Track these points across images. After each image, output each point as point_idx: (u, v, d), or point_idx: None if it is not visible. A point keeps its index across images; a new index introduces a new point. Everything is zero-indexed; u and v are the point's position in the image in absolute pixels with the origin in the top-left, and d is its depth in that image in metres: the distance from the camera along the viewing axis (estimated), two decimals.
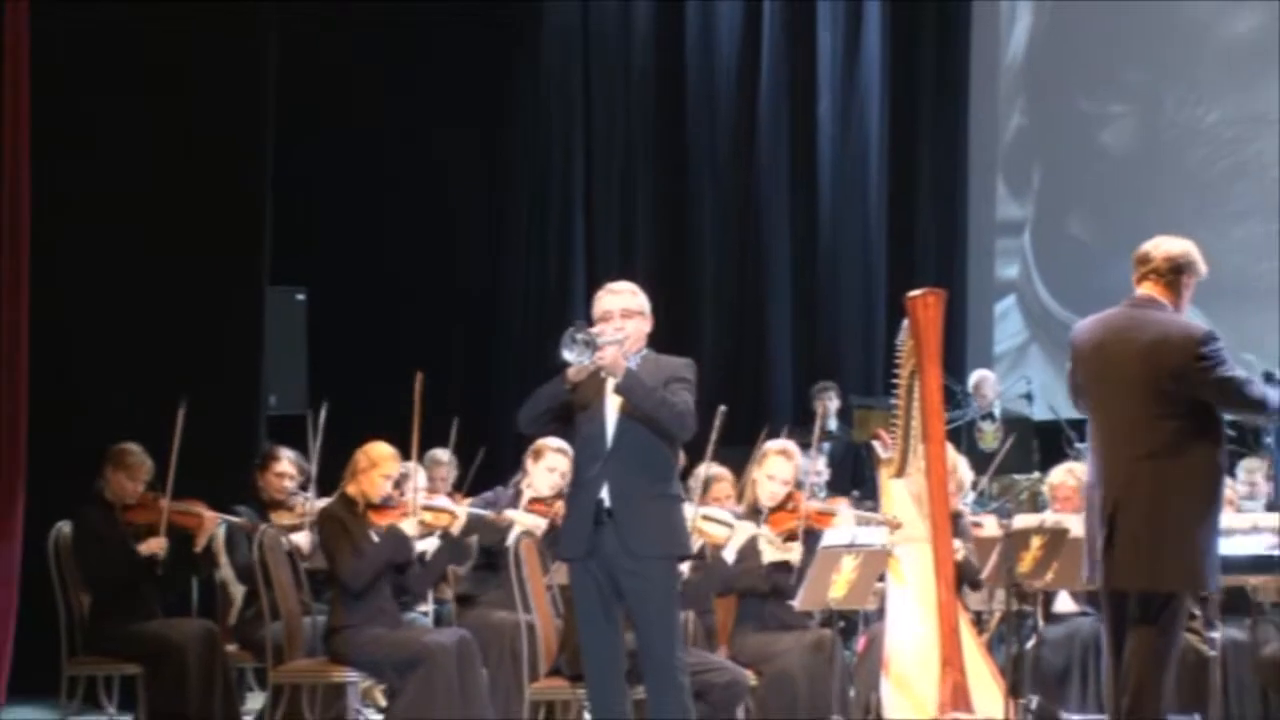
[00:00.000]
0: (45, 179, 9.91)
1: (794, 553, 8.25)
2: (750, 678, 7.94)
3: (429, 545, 8.44)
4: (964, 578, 8.35)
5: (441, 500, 8.89)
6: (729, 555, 8.17)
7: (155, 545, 8.61)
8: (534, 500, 8.51)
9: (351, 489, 8.36)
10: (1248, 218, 13.73)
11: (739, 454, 9.35)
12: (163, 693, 8.43)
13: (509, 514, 8.45)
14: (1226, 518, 7.22)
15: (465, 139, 13.62)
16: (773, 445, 8.68)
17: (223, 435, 10.04)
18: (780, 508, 8.41)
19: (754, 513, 8.45)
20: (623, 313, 6.95)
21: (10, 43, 9.60)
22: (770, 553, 8.32)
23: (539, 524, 8.41)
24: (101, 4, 10.32)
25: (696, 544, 7.87)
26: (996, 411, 12.77)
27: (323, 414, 9.56)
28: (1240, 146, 13.97)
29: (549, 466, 8.55)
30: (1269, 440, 12.01)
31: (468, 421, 10.33)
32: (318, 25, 12.30)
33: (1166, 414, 6.36)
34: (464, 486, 10.30)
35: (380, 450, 8.35)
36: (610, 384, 6.85)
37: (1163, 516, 6.31)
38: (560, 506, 8.26)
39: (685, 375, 6.96)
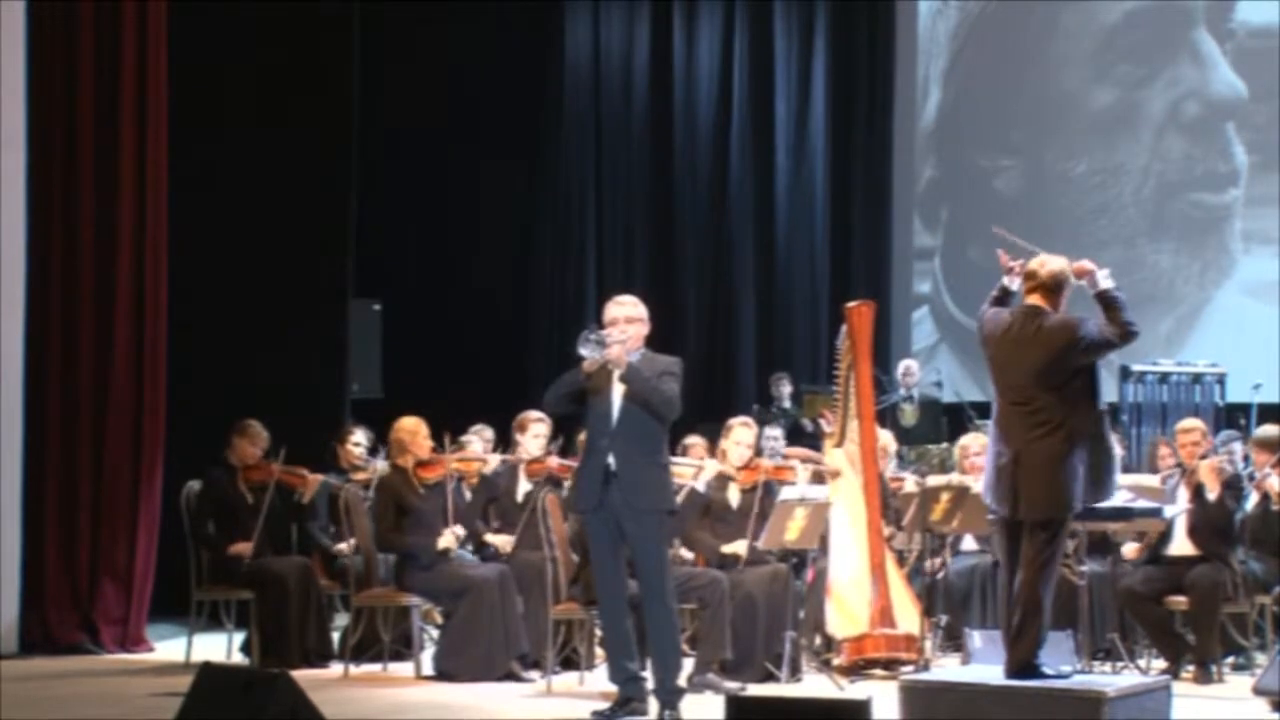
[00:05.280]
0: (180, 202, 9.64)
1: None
2: (725, 581, 7.80)
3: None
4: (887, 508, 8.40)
5: (469, 453, 8.72)
6: (700, 486, 8.03)
7: (243, 549, 8.39)
8: (530, 462, 8.39)
9: (401, 460, 8.25)
10: (1109, 245, 13.67)
11: (715, 429, 9.24)
12: (269, 613, 8.35)
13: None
14: None
15: (501, 195, 13.66)
16: (736, 420, 8.57)
17: (317, 413, 9.99)
18: (746, 465, 8.31)
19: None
20: (626, 319, 6.88)
21: (152, 52, 9.21)
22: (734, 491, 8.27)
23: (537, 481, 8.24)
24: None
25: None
26: (915, 395, 12.69)
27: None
28: (1102, 191, 13.93)
29: (534, 434, 8.42)
30: (1124, 418, 11.97)
31: (505, 401, 10.24)
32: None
33: (1051, 394, 6.32)
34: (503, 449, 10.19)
35: (411, 422, 8.27)
36: (616, 374, 6.78)
37: (1050, 467, 6.30)
38: (551, 460, 8.26)
39: (674, 370, 6.88)
